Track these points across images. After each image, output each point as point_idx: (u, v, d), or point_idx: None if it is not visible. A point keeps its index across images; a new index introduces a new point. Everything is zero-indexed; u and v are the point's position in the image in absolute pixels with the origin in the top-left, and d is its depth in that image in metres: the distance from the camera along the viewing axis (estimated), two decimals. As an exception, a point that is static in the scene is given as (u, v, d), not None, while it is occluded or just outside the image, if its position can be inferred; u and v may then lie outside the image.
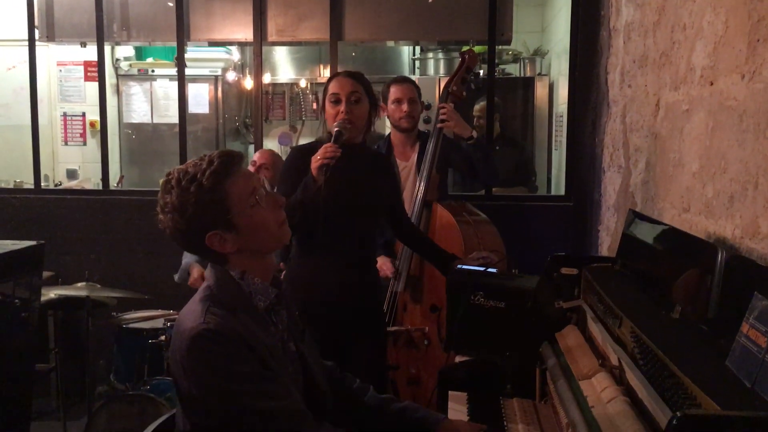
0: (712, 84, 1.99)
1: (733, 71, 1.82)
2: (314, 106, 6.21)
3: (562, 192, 4.22)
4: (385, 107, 3.38)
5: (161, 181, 1.62)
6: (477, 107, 4.64)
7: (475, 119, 4.63)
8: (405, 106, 3.32)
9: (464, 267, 2.66)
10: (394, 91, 3.34)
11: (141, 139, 5.71)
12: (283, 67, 6.15)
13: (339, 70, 4.31)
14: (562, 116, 4.81)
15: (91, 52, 4.65)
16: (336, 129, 2.45)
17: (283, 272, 3.37)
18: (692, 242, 1.73)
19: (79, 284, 3.45)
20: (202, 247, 1.59)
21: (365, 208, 2.60)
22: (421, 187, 3.25)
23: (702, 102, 2.05)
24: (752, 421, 0.90)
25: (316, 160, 2.38)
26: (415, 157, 3.39)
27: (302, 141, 6.28)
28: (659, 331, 1.45)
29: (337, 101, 2.51)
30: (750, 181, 1.70)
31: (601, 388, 1.60)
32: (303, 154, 2.53)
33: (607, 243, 3.43)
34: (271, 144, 5.76)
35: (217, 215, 1.56)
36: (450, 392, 2.16)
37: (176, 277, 3.66)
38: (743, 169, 1.74)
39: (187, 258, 3.65)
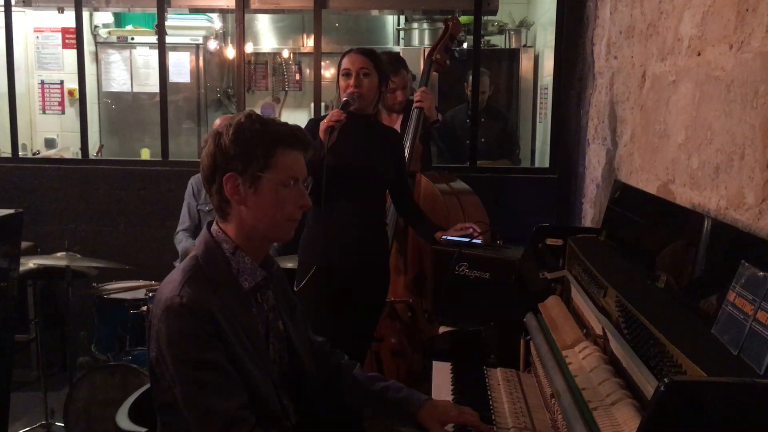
0: (699, 54, 1.97)
1: (722, 41, 1.81)
2: (297, 77, 6.14)
3: (546, 164, 4.22)
4: None
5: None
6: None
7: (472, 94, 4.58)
8: (399, 95, 3.40)
9: (449, 237, 2.66)
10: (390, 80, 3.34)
11: (120, 108, 5.62)
12: (266, 36, 6.06)
13: (322, 40, 4.26)
14: (546, 88, 4.79)
15: (68, 19, 4.54)
16: (344, 98, 2.70)
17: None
18: (678, 212, 1.74)
19: (59, 254, 3.40)
20: (218, 183, 1.57)
21: (370, 172, 2.77)
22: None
23: (689, 72, 2.04)
24: (740, 387, 0.90)
25: (323, 123, 2.64)
26: (398, 125, 3.38)
27: (285, 112, 6.22)
28: (645, 300, 1.45)
29: (347, 75, 2.73)
30: (736, 151, 1.69)
31: (584, 358, 1.61)
32: (318, 123, 2.75)
33: (590, 215, 3.44)
34: (253, 114, 5.69)
35: (252, 165, 1.55)
36: (434, 362, 2.16)
37: (177, 263, 3.63)
38: (730, 140, 1.73)
39: (183, 243, 3.63)
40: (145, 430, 1.55)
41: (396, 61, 3.45)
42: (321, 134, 2.62)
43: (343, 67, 2.75)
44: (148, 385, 1.80)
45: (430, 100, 3.36)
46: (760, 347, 1.01)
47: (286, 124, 1.63)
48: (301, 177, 1.62)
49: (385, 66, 2.83)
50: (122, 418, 1.58)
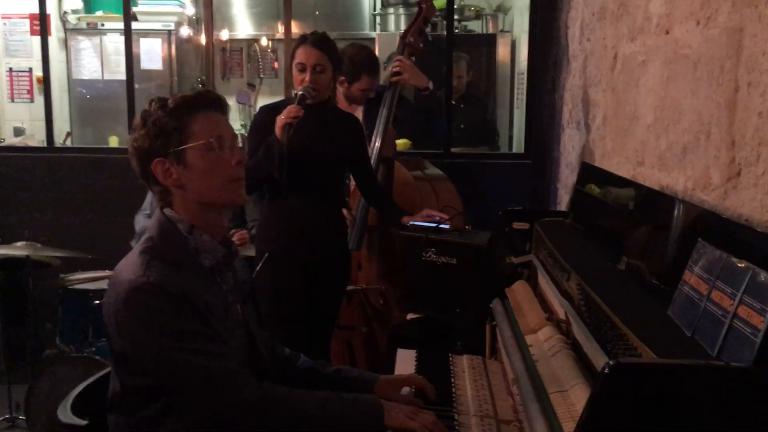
0: (667, 33, 1.93)
1: (689, 18, 1.76)
2: (275, 65, 6.05)
3: (524, 150, 4.16)
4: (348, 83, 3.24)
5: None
6: (452, 67, 4.50)
7: (455, 80, 4.51)
8: (372, 94, 3.30)
9: (416, 223, 2.61)
10: (365, 81, 3.22)
11: (91, 96, 5.49)
12: (242, 22, 5.95)
13: (296, 27, 4.18)
14: (523, 74, 4.73)
15: (36, 5, 4.43)
16: (300, 93, 2.61)
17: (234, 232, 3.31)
18: (644, 193, 1.69)
19: (19, 243, 3.30)
20: (150, 173, 1.53)
21: (326, 156, 2.73)
22: (377, 143, 3.17)
23: (658, 52, 1.99)
24: (687, 369, 0.85)
25: (281, 119, 2.55)
26: (360, 112, 3.31)
27: (261, 99, 6.13)
28: (604, 284, 1.41)
29: (302, 69, 2.66)
30: (702, 131, 1.65)
31: (546, 342, 1.56)
32: (269, 112, 2.71)
33: (565, 200, 3.39)
34: (229, 102, 5.59)
35: (170, 142, 1.50)
36: (399, 350, 2.11)
37: (133, 243, 3.55)
38: (696, 119, 1.69)
39: (141, 223, 3.55)
40: (85, 422, 1.48)
41: (376, 65, 3.34)
42: (278, 131, 2.55)
43: (297, 60, 2.67)
44: (99, 374, 1.74)
45: (410, 67, 3.23)
46: (713, 328, 0.96)
47: (194, 91, 1.59)
48: (227, 134, 1.57)
49: (337, 52, 2.77)
50: (63, 411, 1.51)
